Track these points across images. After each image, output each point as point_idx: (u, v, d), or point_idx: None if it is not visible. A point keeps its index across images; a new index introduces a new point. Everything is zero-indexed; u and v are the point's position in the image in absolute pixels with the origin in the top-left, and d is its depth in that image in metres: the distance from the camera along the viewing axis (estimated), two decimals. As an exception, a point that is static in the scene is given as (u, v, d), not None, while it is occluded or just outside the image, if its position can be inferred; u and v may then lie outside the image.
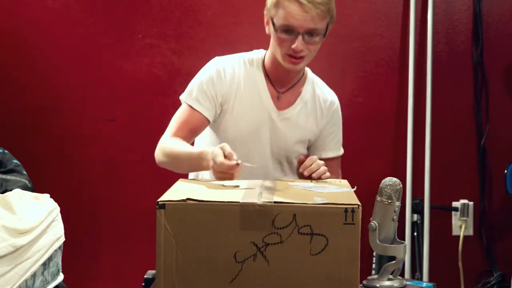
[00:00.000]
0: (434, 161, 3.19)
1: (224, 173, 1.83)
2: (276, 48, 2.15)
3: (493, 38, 3.23)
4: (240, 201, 1.48)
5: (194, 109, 2.19)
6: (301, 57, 2.12)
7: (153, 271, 1.59)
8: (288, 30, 2.08)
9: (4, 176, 2.42)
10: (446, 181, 3.27)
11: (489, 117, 3.26)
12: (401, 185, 1.75)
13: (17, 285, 1.80)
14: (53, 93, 3.23)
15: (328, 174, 2.03)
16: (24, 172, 2.50)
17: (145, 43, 3.22)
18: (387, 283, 1.75)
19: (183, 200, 1.48)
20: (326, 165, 2.19)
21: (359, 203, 1.47)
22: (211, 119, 2.21)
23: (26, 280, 1.85)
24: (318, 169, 2.02)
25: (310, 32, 2.08)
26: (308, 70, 2.35)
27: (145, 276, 1.55)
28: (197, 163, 2.01)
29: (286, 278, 1.48)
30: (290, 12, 2.06)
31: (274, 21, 2.11)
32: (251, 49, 2.31)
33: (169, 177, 1.88)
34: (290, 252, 1.47)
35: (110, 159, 3.25)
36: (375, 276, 1.78)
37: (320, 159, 2.20)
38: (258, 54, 2.28)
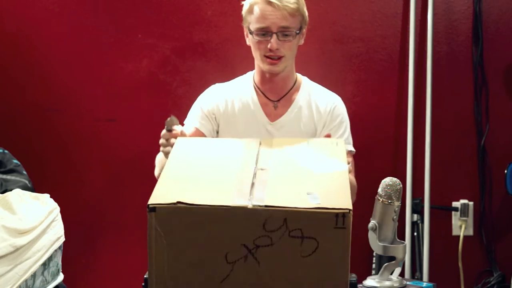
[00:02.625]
0: (434, 161, 3.19)
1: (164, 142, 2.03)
2: (256, 53, 2.28)
3: (493, 38, 3.23)
4: (231, 205, 1.47)
5: (193, 126, 2.31)
6: (279, 58, 2.24)
7: (153, 271, 1.59)
8: (263, 32, 2.22)
9: (4, 176, 2.42)
10: (446, 181, 3.27)
11: (489, 117, 3.25)
12: (401, 185, 1.76)
13: (17, 285, 1.80)
14: (53, 93, 3.23)
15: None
16: (24, 172, 2.50)
17: (145, 43, 3.22)
18: (387, 283, 1.75)
19: (173, 204, 1.47)
20: None
21: (350, 208, 1.46)
22: (208, 135, 2.34)
23: (26, 280, 1.85)
24: None
25: (283, 31, 2.21)
26: (303, 79, 2.42)
27: (145, 276, 1.55)
28: None
29: (277, 279, 1.48)
30: (262, 13, 2.20)
31: (250, 27, 2.25)
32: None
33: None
34: (280, 254, 1.47)
35: (110, 159, 3.25)
36: (375, 276, 1.78)
37: None
38: (249, 73, 2.41)
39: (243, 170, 1.64)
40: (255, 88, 2.36)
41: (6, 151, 2.52)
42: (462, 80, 3.25)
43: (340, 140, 1.86)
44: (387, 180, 1.76)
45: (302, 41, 2.32)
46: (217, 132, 2.37)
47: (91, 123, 3.24)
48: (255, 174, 1.61)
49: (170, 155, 1.75)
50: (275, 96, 2.35)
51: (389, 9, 3.22)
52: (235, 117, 2.34)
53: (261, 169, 1.64)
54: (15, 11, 3.21)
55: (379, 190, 1.75)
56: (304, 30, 2.30)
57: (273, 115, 2.34)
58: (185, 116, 2.39)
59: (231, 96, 2.36)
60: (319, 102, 2.36)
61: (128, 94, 3.23)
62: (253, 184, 1.57)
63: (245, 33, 2.32)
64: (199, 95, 2.45)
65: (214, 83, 2.48)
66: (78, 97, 3.24)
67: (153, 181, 2.08)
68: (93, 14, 3.22)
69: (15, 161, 2.50)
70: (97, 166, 3.25)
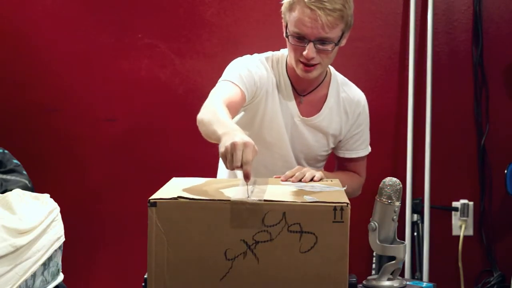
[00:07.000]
0: (434, 161, 3.19)
1: (229, 160, 1.60)
2: (290, 53, 2.12)
3: (493, 38, 3.23)
4: (231, 199, 1.49)
5: (235, 84, 2.07)
6: (314, 65, 2.08)
7: (153, 271, 1.59)
8: (299, 37, 2.05)
9: (4, 176, 2.42)
10: (446, 181, 3.27)
11: (489, 117, 3.25)
12: (401, 185, 1.75)
13: (17, 285, 1.80)
14: (53, 93, 3.23)
15: (318, 175, 1.90)
16: (24, 172, 2.50)
17: (145, 43, 3.22)
18: (387, 283, 1.75)
19: (174, 198, 1.49)
20: (352, 164, 2.29)
21: (348, 201, 1.48)
22: (247, 98, 2.10)
23: (26, 280, 1.85)
24: (303, 176, 1.89)
25: (322, 40, 2.04)
26: (332, 70, 2.29)
27: (145, 276, 1.55)
28: (221, 128, 1.75)
29: (276, 275, 1.49)
30: (301, 19, 2.01)
31: (288, 26, 2.08)
32: (251, 50, 2.29)
33: (169, 176, 1.88)
34: (279, 250, 1.48)
35: (110, 159, 3.25)
36: (375, 276, 1.78)
37: (347, 158, 2.28)
38: (283, 54, 2.22)
39: (241, 186, 1.68)
40: (287, 75, 2.19)
41: (6, 151, 2.52)
42: (462, 80, 3.25)
43: (335, 180, 1.89)
44: (387, 180, 1.75)
45: (343, 43, 2.13)
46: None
47: (91, 123, 3.24)
48: (253, 187, 1.66)
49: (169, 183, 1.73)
50: (303, 91, 2.21)
51: (389, 9, 3.22)
52: (267, 100, 2.17)
53: (259, 185, 1.70)
54: (15, 11, 3.21)
55: (379, 190, 1.75)
56: (347, 34, 2.11)
57: (301, 110, 2.21)
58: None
59: (271, 76, 2.18)
60: (347, 102, 2.26)
61: (128, 94, 3.24)
62: (252, 191, 1.60)
63: (283, 25, 2.13)
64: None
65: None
66: (78, 97, 3.24)
67: (153, 181, 2.08)
68: (93, 14, 3.22)
69: (15, 161, 2.50)
70: (97, 166, 3.26)
